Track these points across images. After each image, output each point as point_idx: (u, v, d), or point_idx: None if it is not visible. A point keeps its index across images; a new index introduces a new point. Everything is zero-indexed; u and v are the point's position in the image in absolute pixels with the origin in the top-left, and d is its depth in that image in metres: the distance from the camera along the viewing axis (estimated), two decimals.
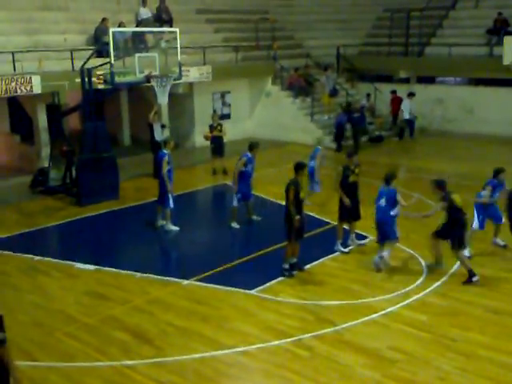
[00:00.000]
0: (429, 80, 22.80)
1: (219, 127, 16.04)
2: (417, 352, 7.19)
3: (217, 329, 7.86)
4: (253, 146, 11.92)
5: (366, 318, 8.02)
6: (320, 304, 8.50)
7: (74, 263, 10.10)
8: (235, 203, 11.83)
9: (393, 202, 9.69)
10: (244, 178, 11.75)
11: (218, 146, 16.05)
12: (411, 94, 20.88)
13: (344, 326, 7.83)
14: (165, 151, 11.52)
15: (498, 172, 10.32)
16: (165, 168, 11.24)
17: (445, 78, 23.00)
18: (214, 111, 18.16)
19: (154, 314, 8.30)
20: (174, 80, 14.26)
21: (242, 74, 20.75)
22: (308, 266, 9.84)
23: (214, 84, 19.61)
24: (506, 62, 19.52)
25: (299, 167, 9.48)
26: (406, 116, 20.81)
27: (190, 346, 7.43)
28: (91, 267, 9.93)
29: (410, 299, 8.57)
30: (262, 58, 21.63)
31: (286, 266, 9.52)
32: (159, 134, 16.00)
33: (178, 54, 14.01)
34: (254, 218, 12.20)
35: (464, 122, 21.27)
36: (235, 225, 11.83)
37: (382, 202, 9.71)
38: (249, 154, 11.78)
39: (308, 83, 21.73)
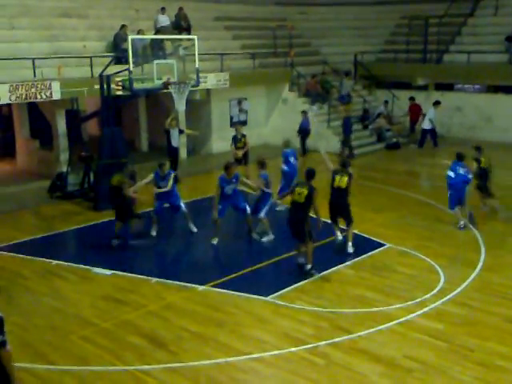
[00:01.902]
0: (447, 87, 22.63)
1: (243, 139, 15.73)
2: (433, 361, 7.10)
3: (232, 335, 7.84)
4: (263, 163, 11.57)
5: (382, 327, 7.94)
6: (336, 312, 8.45)
7: (90, 267, 10.17)
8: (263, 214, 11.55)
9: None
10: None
11: (242, 156, 15.90)
12: (437, 103, 20.28)
13: (360, 334, 7.77)
14: (158, 172, 11.86)
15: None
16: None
17: (463, 85, 22.80)
18: (239, 122, 17.95)
19: (169, 319, 8.31)
20: (192, 87, 14.34)
21: (259, 80, 20.81)
22: (324, 273, 9.78)
23: (231, 90, 19.68)
24: None
25: (312, 174, 9.63)
26: (428, 126, 20.24)
27: (205, 351, 7.43)
28: (107, 272, 9.99)
29: (427, 308, 8.48)
30: (280, 65, 21.66)
31: (310, 267, 9.59)
32: (176, 140, 16.10)
33: (196, 60, 14.08)
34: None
35: (483, 129, 21.06)
36: (266, 237, 11.50)
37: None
38: (266, 174, 11.49)
39: (325, 90, 21.72)
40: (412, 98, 21.72)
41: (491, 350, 7.34)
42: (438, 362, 7.08)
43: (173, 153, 16.12)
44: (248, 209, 11.50)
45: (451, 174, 11.96)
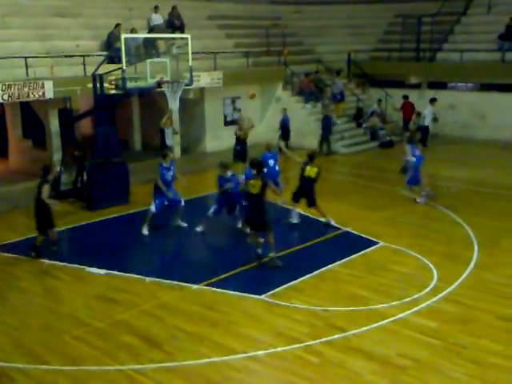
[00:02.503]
0: (440, 85, 22.70)
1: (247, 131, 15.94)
2: (427, 359, 7.13)
3: (226, 334, 7.84)
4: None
5: (376, 325, 7.96)
6: (329, 310, 8.46)
7: (84, 267, 10.15)
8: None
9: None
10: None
11: (242, 150, 15.93)
12: (434, 100, 20.26)
13: (353, 332, 7.78)
14: (163, 164, 11.70)
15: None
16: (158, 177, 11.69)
17: (456, 83, 22.86)
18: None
19: (163, 318, 8.30)
20: (185, 85, 14.30)
21: (253, 79, 20.78)
22: (318, 272, 9.80)
23: (224, 89, 19.67)
24: None
25: (261, 165, 10.15)
26: (427, 122, 20.15)
27: (199, 350, 7.42)
28: (101, 271, 9.97)
29: (420, 306, 8.50)
30: (273, 64, 21.67)
31: (274, 254, 10.00)
32: (170, 139, 16.10)
33: (190, 59, 14.05)
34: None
35: (476, 127, 21.14)
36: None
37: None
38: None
39: (318, 88, 21.74)
40: (405, 97, 21.76)
41: (484, 348, 7.37)
42: (432, 360, 7.11)
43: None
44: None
45: (413, 158, 13.61)
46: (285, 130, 19.56)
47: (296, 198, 12.19)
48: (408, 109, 21.63)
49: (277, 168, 13.09)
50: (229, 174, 11.47)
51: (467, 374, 6.81)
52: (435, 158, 19.51)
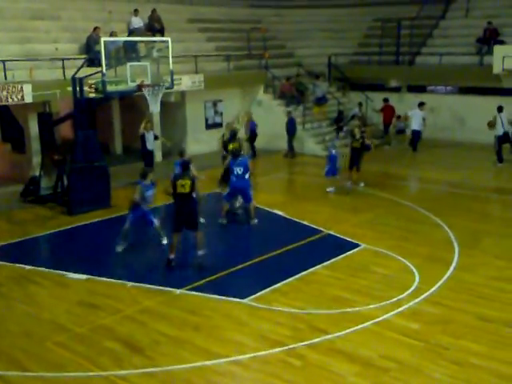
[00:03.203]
0: (420, 89, 22.93)
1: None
2: (409, 360, 7.17)
3: (209, 338, 7.81)
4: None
5: (359, 327, 8.00)
6: (312, 313, 8.48)
7: (65, 273, 10.04)
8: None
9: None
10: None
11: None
12: (422, 104, 20.14)
13: (336, 334, 7.80)
14: (143, 182, 10.94)
15: None
16: (136, 195, 10.85)
17: (436, 86, 23.12)
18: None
19: (145, 323, 8.24)
20: (166, 89, 14.27)
21: (234, 82, 20.82)
22: (300, 275, 9.82)
23: (206, 93, 19.65)
24: (495, 70, 19.71)
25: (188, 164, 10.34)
26: (416, 127, 20.02)
27: (182, 355, 7.38)
28: (82, 276, 9.87)
29: (402, 307, 8.56)
30: (254, 67, 21.72)
31: (204, 252, 10.24)
32: (151, 143, 16.02)
33: (170, 62, 14.01)
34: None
35: (455, 130, 21.39)
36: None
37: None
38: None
39: (299, 92, 21.84)
40: (386, 100, 21.95)
41: (465, 348, 7.44)
42: (414, 361, 7.16)
43: (147, 156, 16.05)
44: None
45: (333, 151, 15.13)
46: (252, 136, 19.63)
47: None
48: (388, 112, 21.82)
49: (246, 177, 12.43)
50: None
51: (449, 374, 6.87)
52: (416, 160, 19.76)
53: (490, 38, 21.15)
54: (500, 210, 14.07)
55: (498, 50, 19.82)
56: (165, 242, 11.25)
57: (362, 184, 15.50)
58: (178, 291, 9.23)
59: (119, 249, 11.01)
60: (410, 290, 9.12)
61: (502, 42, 20.63)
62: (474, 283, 9.38)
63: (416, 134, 20.20)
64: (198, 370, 7.06)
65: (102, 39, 13.11)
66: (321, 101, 21.66)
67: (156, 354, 7.44)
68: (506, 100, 19.28)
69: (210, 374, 7.02)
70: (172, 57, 14.03)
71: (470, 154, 19.77)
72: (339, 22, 26.07)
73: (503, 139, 18.12)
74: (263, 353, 7.38)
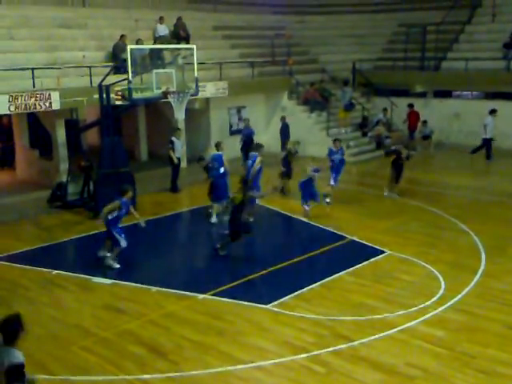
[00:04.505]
0: (445, 94, 22.69)
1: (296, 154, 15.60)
2: (434, 368, 7.09)
3: (232, 343, 7.83)
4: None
5: (383, 334, 7.93)
6: (336, 319, 8.43)
7: (90, 277, 10.17)
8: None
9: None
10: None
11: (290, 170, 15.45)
12: (494, 111, 19.44)
13: (360, 341, 7.75)
14: (123, 199, 10.53)
15: None
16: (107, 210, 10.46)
17: (461, 92, 22.85)
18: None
19: (169, 328, 8.30)
20: (191, 96, 14.37)
21: (258, 89, 20.88)
22: (324, 281, 9.78)
23: (230, 99, 19.74)
24: None
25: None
26: (489, 135, 19.32)
27: (205, 360, 7.41)
28: (108, 281, 9.99)
29: (428, 315, 8.47)
30: (278, 73, 21.75)
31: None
32: (179, 151, 16.13)
33: (195, 69, 14.12)
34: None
35: (481, 136, 21.05)
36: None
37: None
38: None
39: (323, 98, 21.79)
40: (411, 105, 21.77)
41: (492, 357, 7.32)
42: (439, 369, 7.07)
43: (175, 163, 16.16)
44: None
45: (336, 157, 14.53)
46: (247, 141, 19.45)
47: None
48: (413, 118, 21.64)
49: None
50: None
51: (475, 383, 6.77)
52: (439, 165, 19.55)
53: None
54: None
55: None
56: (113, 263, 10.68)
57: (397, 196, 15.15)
58: (201, 296, 9.27)
59: (116, 265, 10.63)
60: (435, 298, 9.02)
61: None
62: (501, 290, 9.23)
63: (490, 142, 19.41)
64: (221, 375, 7.08)
65: (129, 47, 13.28)
66: (349, 107, 21.60)
67: (179, 358, 7.48)
68: None
69: (233, 379, 7.03)
70: (197, 64, 14.13)
71: (496, 159, 19.47)
72: (363, 27, 25.98)
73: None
74: (286, 359, 7.37)
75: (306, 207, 13.34)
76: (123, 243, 10.56)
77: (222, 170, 13.36)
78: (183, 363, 7.35)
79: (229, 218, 10.97)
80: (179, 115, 14.18)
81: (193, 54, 14.10)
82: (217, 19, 23.05)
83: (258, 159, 13.32)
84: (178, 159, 16.25)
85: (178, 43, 18.63)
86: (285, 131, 19.85)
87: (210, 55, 19.68)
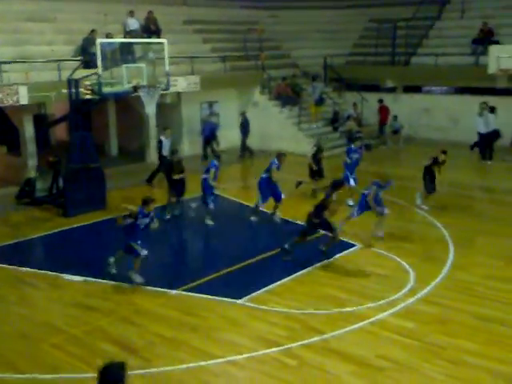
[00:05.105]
0: (415, 89, 22.97)
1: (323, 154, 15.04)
2: (405, 360, 7.18)
3: (205, 339, 7.81)
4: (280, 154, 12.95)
5: (354, 326, 8.01)
6: (308, 313, 8.48)
7: (60, 274, 10.02)
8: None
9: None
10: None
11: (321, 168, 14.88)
12: (493, 108, 19.09)
13: (332, 334, 7.81)
14: (143, 210, 9.59)
15: None
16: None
17: (431, 87, 23.15)
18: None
19: (141, 324, 8.24)
20: (162, 90, 14.27)
21: (230, 83, 20.81)
22: (296, 275, 9.83)
23: (202, 94, 19.65)
24: (490, 70, 19.74)
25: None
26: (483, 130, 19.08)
27: (178, 356, 7.38)
28: (78, 278, 9.85)
29: (398, 307, 8.58)
30: (250, 68, 21.72)
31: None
32: (167, 150, 16.04)
33: (166, 64, 14.03)
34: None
35: (450, 130, 21.40)
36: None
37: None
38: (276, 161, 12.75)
39: (295, 93, 21.86)
40: (381, 100, 21.98)
41: (461, 348, 7.45)
42: (410, 360, 7.17)
43: (163, 161, 15.99)
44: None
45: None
46: (209, 138, 19.64)
47: None
48: (384, 113, 21.86)
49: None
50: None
51: (444, 373, 6.89)
52: (409, 160, 19.77)
53: (485, 39, 21.18)
54: (494, 210, 14.08)
55: (493, 50, 19.85)
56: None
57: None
58: (173, 292, 9.22)
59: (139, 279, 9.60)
60: (405, 290, 9.14)
61: (497, 43, 20.67)
62: (470, 282, 9.40)
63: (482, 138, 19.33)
64: (193, 371, 7.06)
65: (98, 41, 13.11)
66: (319, 102, 21.71)
67: (152, 355, 7.43)
68: (500, 100, 19.37)
69: (205, 374, 7.02)
70: (168, 58, 14.03)
71: (464, 153, 19.78)
72: (335, 23, 26.11)
73: (490, 138, 18.40)
74: (259, 353, 7.39)
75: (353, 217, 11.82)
76: (143, 252, 9.46)
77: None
78: (155, 360, 7.31)
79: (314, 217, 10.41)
80: (150, 110, 14.10)
81: (164, 49, 14.00)
82: (188, 13, 22.88)
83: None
84: (166, 157, 16.15)
85: (149, 37, 18.44)
86: (245, 127, 19.91)
87: (181, 49, 19.52)
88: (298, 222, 12.52)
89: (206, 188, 12.58)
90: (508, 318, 8.21)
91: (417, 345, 7.54)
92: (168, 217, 12.87)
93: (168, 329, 8.09)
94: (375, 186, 11.46)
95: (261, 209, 12.94)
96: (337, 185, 10.72)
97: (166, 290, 9.32)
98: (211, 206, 12.55)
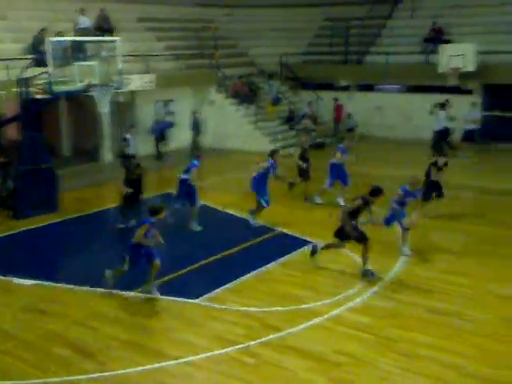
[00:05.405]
0: (369, 88, 23.31)
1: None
2: (360, 354, 7.28)
3: (162, 340, 7.74)
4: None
5: (311, 323, 8.07)
6: (265, 310, 8.49)
7: (11, 278, 9.72)
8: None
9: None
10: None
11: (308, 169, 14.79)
12: (443, 105, 19.68)
13: (289, 331, 7.84)
14: (151, 219, 8.93)
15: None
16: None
17: (384, 85, 23.54)
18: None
19: (95, 328, 8.08)
20: (116, 89, 14.06)
21: (186, 82, 20.67)
22: (254, 273, 9.83)
23: (157, 92, 19.44)
24: (440, 69, 20.23)
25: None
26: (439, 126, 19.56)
27: (134, 359, 7.26)
28: (29, 282, 9.58)
29: (353, 302, 8.69)
30: (206, 67, 21.62)
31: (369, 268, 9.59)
32: (133, 148, 15.76)
33: (119, 62, 13.82)
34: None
35: (402, 128, 21.79)
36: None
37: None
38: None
39: (252, 91, 21.88)
40: (336, 99, 22.23)
41: (414, 340, 7.61)
42: (365, 355, 7.27)
43: (127, 160, 15.65)
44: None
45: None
46: (160, 136, 19.66)
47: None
48: (338, 111, 22.12)
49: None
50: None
51: (398, 366, 7.01)
52: (362, 157, 20.04)
53: (435, 38, 21.68)
54: (447, 205, 14.41)
55: (442, 48, 20.36)
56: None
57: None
58: (129, 294, 9.08)
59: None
60: (361, 285, 9.27)
61: (447, 42, 21.19)
62: (423, 277, 9.60)
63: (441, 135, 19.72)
64: (150, 373, 6.97)
65: (48, 39, 12.82)
66: (276, 100, 21.80)
67: (107, 358, 7.30)
68: (451, 98, 19.87)
69: (163, 376, 6.94)
70: (122, 56, 13.83)
71: (416, 150, 20.16)
72: (290, 21, 26.21)
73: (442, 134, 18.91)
74: (216, 352, 7.35)
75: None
76: (157, 259, 8.84)
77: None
78: (111, 363, 7.18)
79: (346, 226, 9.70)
80: (103, 109, 13.87)
81: (117, 47, 13.80)
82: (141, 11, 22.55)
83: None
84: (134, 156, 15.88)
85: (101, 35, 18.12)
86: (196, 126, 19.83)
87: (134, 48, 19.27)
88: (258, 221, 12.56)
89: (183, 189, 12.12)
90: (460, 311, 8.42)
91: (372, 339, 7.65)
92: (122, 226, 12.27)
93: (124, 331, 7.96)
94: (403, 191, 10.55)
95: (265, 206, 12.40)
96: (377, 193, 9.74)
97: (121, 291, 9.15)
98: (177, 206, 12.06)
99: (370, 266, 9.60)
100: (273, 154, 12.59)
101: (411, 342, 7.58)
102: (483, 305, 8.65)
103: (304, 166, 14.44)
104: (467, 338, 7.67)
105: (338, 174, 13.93)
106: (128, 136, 15.85)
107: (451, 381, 6.74)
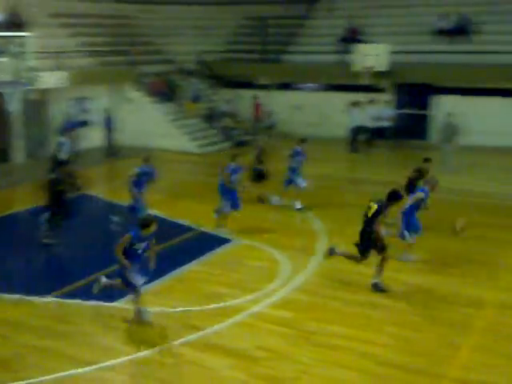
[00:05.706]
0: (288, 86, 23.65)
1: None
2: (281, 348, 7.38)
3: (78, 346, 7.48)
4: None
5: (232, 320, 8.09)
6: (187, 310, 8.42)
7: None
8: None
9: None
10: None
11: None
12: (357, 103, 20.19)
13: (211, 329, 7.82)
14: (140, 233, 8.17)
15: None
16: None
17: (303, 84, 23.93)
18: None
19: (7, 336, 7.70)
20: (26, 86, 13.47)
21: (101, 79, 20.12)
22: (174, 273, 9.73)
23: (72, 90, 18.82)
24: (355, 68, 20.85)
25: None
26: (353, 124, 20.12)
27: (49, 366, 6.98)
28: None
29: (275, 297, 8.79)
30: (122, 64, 21.15)
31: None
32: (66, 153, 15.03)
33: (30, 58, 13.27)
34: None
35: (320, 126, 22.23)
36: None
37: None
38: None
39: (170, 89, 21.65)
40: (255, 97, 22.41)
41: (332, 332, 7.80)
42: (285, 349, 7.38)
43: (57, 165, 14.90)
44: None
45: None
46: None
47: None
48: (258, 109, 22.31)
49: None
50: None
51: (316, 358, 7.17)
52: (283, 155, 20.29)
53: (350, 38, 22.30)
54: (361, 199, 14.84)
55: (357, 48, 20.97)
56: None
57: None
58: (41, 299, 8.71)
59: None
60: (281, 281, 9.39)
61: (362, 41, 21.83)
62: (340, 270, 9.82)
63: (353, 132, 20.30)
64: (66, 380, 6.73)
65: None
66: (196, 98, 21.67)
67: (20, 366, 7.00)
68: (365, 96, 20.50)
69: (78, 382, 6.73)
70: (33, 53, 13.27)
71: (333, 147, 20.68)
72: (209, 19, 26.11)
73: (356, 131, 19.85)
74: (135, 355, 7.20)
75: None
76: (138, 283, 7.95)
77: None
78: (24, 371, 6.87)
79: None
80: (13, 107, 13.26)
81: (28, 43, 13.23)
82: (54, 6, 21.73)
83: None
84: (67, 161, 15.14)
85: (12, 30, 17.30)
86: (108, 124, 19.43)
87: (47, 44, 18.52)
88: (176, 221, 12.44)
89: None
90: (377, 301, 8.71)
91: (292, 333, 7.77)
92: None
93: (37, 338, 7.64)
94: (423, 192, 9.90)
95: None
96: (396, 197, 9.05)
97: (33, 297, 8.76)
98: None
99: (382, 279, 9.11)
100: (234, 157, 11.91)
101: (329, 334, 7.77)
102: (395, 294, 8.95)
103: (262, 168, 14.47)
104: (381, 327, 7.95)
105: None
106: (62, 139, 15.11)
107: (368, 370, 6.95)
